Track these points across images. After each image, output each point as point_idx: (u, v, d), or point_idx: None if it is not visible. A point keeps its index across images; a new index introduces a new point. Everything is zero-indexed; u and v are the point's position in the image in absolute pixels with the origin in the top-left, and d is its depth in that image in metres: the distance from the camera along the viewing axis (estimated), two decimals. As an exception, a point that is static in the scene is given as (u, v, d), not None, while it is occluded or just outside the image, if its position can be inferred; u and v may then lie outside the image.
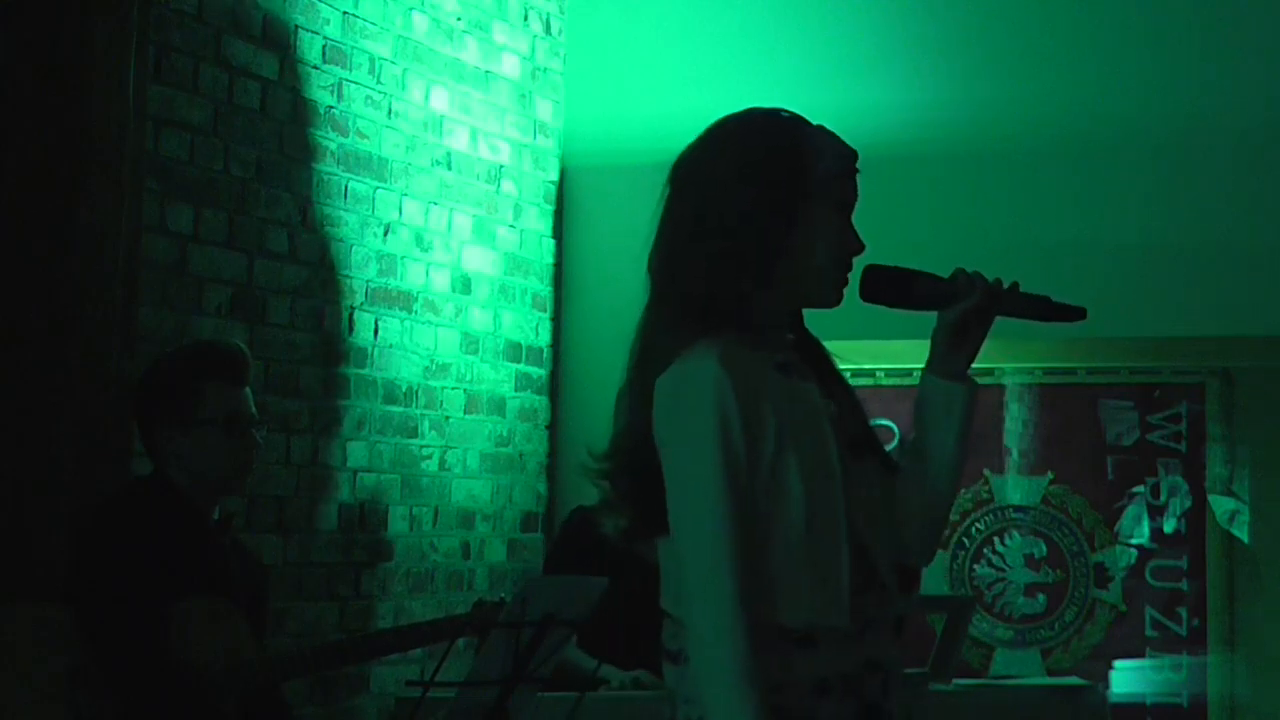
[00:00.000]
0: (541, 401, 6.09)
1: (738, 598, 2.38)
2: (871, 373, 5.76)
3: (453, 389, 5.63)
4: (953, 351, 2.57)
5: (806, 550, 2.43)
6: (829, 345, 2.66)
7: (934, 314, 2.59)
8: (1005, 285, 2.56)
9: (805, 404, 2.51)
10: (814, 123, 2.59)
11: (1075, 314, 2.58)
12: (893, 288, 2.56)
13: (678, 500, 2.44)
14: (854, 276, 2.58)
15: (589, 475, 2.56)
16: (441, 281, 5.58)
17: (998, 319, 2.59)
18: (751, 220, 2.49)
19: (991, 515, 5.95)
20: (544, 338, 6.10)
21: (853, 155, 2.57)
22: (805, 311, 2.63)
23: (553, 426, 6.13)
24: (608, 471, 2.54)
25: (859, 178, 2.59)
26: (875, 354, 5.61)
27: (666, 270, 2.54)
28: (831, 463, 2.48)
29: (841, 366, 2.66)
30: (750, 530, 2.41)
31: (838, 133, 2.62)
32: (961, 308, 2.54)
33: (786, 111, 2.59)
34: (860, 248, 2.56)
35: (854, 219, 2.59)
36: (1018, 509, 5.91)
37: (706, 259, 2.49)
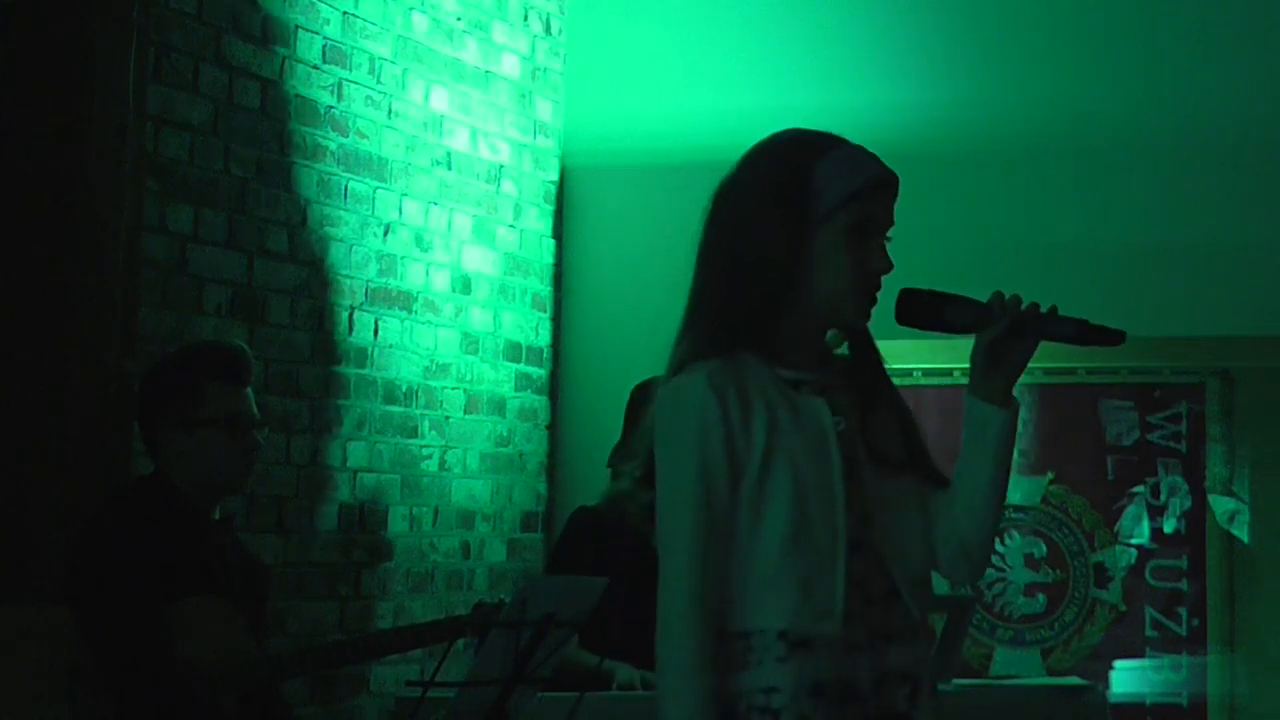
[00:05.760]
0: (541, 401, 6.09)
1: (698, 598, 2.50)
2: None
3: (453, 389, 5.63)
4: (988, 375, 2.56)
5: (793, 559, 2.51)
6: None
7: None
8: (1044, 309, 2.54)
9: (811, 421, 2.56)
10: (850, 141, 2.61)
11: (1114, 337, 2.54)
12: (924, 312, 2.58)
13: (660, 504, 2.57)
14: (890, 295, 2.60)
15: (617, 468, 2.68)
16: (441, 281, 5.58)
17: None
18: (758, 249, 2.55)
19: (991, 515, 5.93)
20: (544, 338, 6.10)
21: (877, 175, 2.57)
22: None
23: (553, 426, 6.13)
24: (634, 470, 2.68)
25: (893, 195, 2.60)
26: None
27: (695, 289, 2.63)
28: (829, 477, 2.54)
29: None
30: (728, 537, 2.52)
31: (839, 133, 2.63)
32: (989, 334, 2.53)
33: (813, 132, 2.62)
34: (886, 268, 2.58)
35: None
36: (1018, 509, 5.90)
37: (721, 285, 2.59)
